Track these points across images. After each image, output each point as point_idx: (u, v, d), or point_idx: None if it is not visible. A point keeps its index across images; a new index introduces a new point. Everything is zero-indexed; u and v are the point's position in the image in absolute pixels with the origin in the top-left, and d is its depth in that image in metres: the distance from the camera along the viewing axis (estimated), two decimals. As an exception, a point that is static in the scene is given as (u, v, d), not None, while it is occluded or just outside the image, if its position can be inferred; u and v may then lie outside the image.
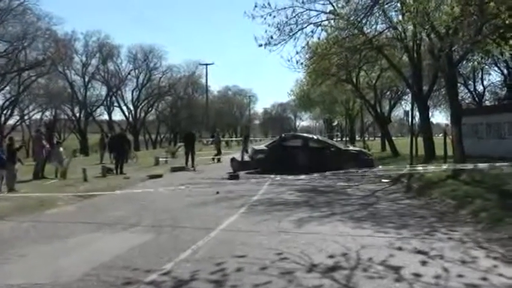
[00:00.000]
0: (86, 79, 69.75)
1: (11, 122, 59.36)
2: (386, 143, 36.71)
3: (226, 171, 22.88)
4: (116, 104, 74.98)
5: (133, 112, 75.96)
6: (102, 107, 73.43)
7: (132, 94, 76.08)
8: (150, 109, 79.33)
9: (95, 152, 51.51)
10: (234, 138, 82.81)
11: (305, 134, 29.80)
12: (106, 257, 7.75)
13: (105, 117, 74.37)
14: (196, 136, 39.46)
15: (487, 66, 38.83)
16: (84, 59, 69.01)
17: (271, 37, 18.58)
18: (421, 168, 18.29)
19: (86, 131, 68.27)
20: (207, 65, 73.33)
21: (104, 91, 73.00)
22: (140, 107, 77.05)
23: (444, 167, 16.90)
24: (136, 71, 75.84)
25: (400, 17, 20.02)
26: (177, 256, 7.69)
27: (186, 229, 9.92)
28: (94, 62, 70.07)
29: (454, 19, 15.44)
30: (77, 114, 69.29)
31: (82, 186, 17.49)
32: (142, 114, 77.70)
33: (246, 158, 27.51)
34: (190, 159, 26.43)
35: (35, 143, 23.41)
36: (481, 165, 15.76)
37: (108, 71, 72.59)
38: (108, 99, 73.47)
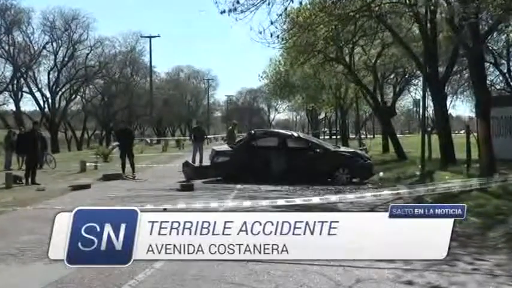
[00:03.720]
0: (-17, 55, 68.99)
1: None
2: (390, 142, 36.96)
3: (177, 180, 22.71)
4: (25, 89, 74.25)
5: (50, 100, 75.22)
6: (6, 93, 72.61)
7: (49, 76, 75.49)
8: (73, 96, 78.73)
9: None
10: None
11: (282, 131, 29.77)
12: (12, 297, 7.57)
13: (11, 107, 73.58)
14: (136, 133, 39.02)
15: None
16: (-21, 27, 68.26)
17: (238, 1, 18.50)
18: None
19: (-16, 126, 67.35)
20: (150, 37, 73.04)
21: (8, 71, 72.41)
22: (60, 93, 76.35)
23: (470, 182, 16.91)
24: (54, 44, 75.35)
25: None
26: (110, 296, 7.55)
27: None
28: (-6, 31, 69.29)
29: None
30: (-29, 103, 68.52)
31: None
32: (63, 104, 76.97)
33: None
34: (128, 163, 26.08)
35: None
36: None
37: (15, 44, 71.80)
38: (15, 82, 72.57)
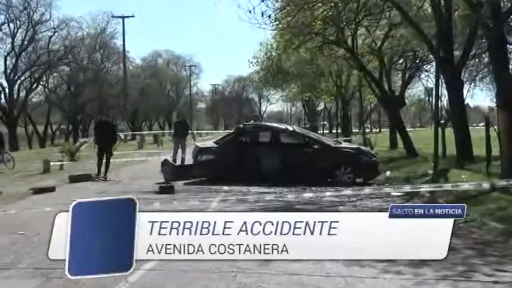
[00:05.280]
0: None
1: None
2: (398, 136, 37.02)
3: (155, 182, 22.66)
4: (-21, 77, 73.89)
5: (7, 90, 74.86)
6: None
7: (6, 62, 75.20)
8: (35, 86, 78.39)
9: None
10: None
11: (275, 124, 29.77)
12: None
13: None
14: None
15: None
16: None
17: (223, -26, 18.52)
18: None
19: None
20: (123, 18, 72.95)
21: (-42, 57, 72.03)
22: (19, 82, 76.08)
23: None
24: (12, 25, 75.09)
25: None
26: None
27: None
28: None
29: None
30: None
31: None
32: (23, 94, 76.70)
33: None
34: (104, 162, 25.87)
35: None
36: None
37: (-35, 26, 71.68)
38: (-34, 70, 72.48)
